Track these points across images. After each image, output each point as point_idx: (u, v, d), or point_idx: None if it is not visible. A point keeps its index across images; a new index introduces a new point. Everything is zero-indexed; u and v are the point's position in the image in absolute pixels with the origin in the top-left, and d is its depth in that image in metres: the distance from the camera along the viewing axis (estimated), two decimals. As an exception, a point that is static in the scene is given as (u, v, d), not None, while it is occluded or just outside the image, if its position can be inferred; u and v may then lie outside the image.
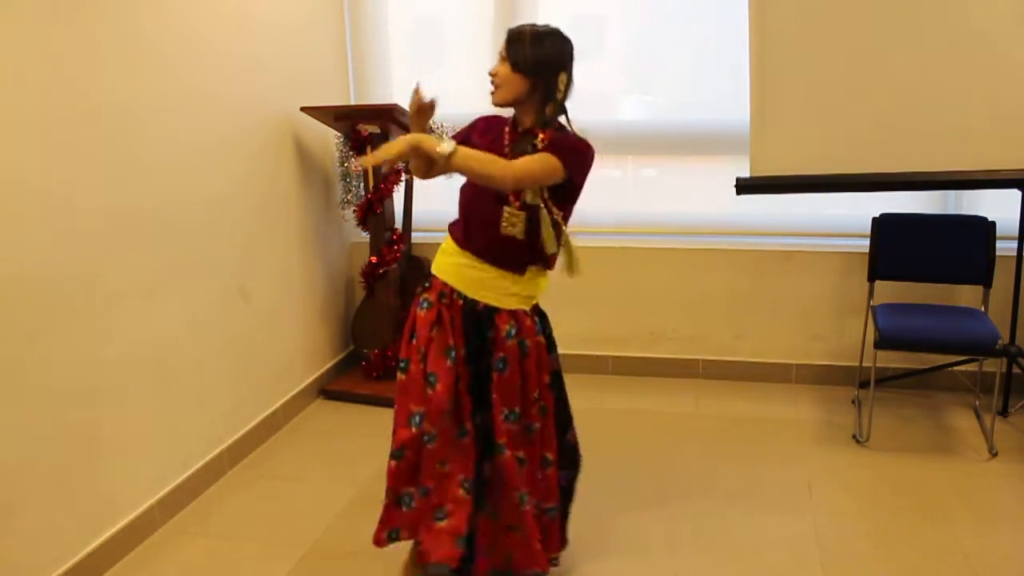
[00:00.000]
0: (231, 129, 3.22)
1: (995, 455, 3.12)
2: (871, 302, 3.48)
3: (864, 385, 3.57)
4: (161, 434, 2.84)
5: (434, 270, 2.32)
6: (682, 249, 3.92)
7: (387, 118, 3.62)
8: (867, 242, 3.50)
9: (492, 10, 3.98)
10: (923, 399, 3.66)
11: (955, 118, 3.20)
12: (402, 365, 2.31)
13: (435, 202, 4.20)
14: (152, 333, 2.78)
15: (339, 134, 3.90)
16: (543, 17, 3.94)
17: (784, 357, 3.90)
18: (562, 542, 2.47)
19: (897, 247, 3.45)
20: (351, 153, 3.87)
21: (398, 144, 2.05)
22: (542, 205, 2.18)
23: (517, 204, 2.18)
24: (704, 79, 3.94)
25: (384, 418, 3.61)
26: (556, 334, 4.25)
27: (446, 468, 2.28)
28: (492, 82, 2.17)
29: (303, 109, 3.65)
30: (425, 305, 2.28)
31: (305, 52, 3.80)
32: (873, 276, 3.48)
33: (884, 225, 3.47)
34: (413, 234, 3.99)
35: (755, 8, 3.29)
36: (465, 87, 4.21)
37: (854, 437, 3.31)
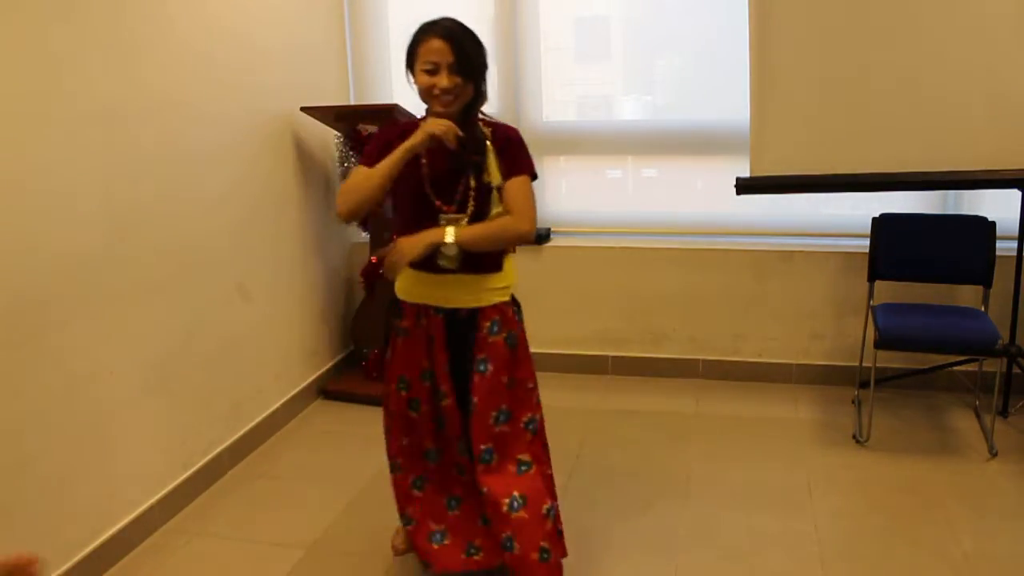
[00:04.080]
0: (231, 128, 3.22)
1: (995, 455, 3.12)
2: (871, 302, 3.48)
3: (864, 385, 3.56)
4: (161, 434, 2.85)
5: (402, 295, 2.25)
6: (682, 249, 3.92)
7: (387, 118, 3.61)
8: (867, 242, 3.50)
9: (492, 10, 3.98)
10: (923, 399, 3.66)
11: (955, 118, 3.20)
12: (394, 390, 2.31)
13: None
14: (152, 333, 2.78)
15: (339, 134, 3.90)
16: (544, 18, 3.98)
17: (784, 357, 3.90)
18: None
19: (897, 247, 3.45)
20: (351, 153, 3.87)
21: (413, 251, 2.05)
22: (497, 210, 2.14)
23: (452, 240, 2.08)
24: (704, 79, 3.94)
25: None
26: (557, 334, 4.27)
27: (424, 491, 2.35)
28: (445, 97, 2.04)
29: (303, 109, 3.65)
30: (401, 334, 2.26)
31: (305, 52, 3.80)
32: (873, 276, 3.48)
33: (884, 225, 3.47)
34: (413, 234, 3.98)
35: (755, 8, 3.29)
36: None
37: (854, 437, 3.31)
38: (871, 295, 3.49)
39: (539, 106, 4.02)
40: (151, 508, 2.77)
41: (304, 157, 3.78)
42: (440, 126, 2.00)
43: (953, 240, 3.41)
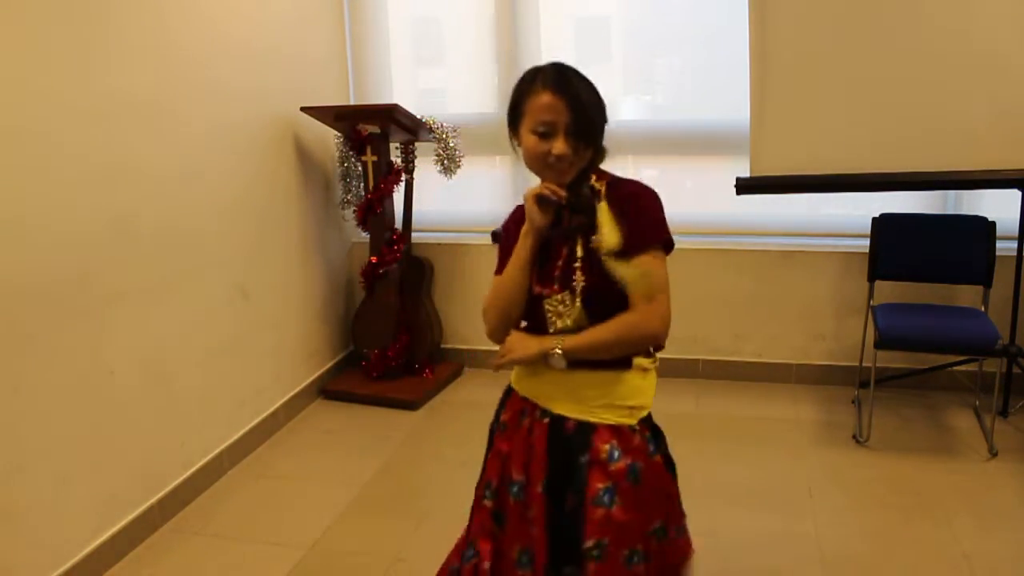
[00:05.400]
0: (231, 129, 3.22)
1: (995, 455, 3.12)
2: (871, 302, 3.48)
3: (864, 385, 3.56)
4: (161, 434, 2.85)
5: (513, 383, 1.80)
6: (682, 249, 3.84)
7: (387, 118, 3.62)
8: (867, 242, 3.50)
9: (492, 10, 3.98)
10: (923, 399, 3.65)
11: (955, 118, 3.20)
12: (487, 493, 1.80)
13: (435, 202, 4.21)
14: (152, 333, 2.78)
15: (339, 134, 3.90)
16: (544, 18, 3.98)
17: (784, 357, 3.90)
18: None
19: (897, 247, 3.45)
20: (351, 153, 3.87)
21: (525, 352, 1.68)
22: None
23: (556, 287, 1.68)
24: (704, 79, 3.94)
25: (384, 418, 3.63)
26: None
27: None
28: (561, 164, 1.62)
29: (303, 109, 3.65)
30: (501, 428, 1.80)
31: (305, 52, 3.80)
32: (873, 276, 3.48)
33: (884, 225, 3.47)
34: (413, 234, 3.99)
35: (755, 8, 3.29)
36: (465, 87, 4.22)
37: (854, 437, 3.31)
38: (871, 295, 3.49)
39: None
40: (151, 508, 2.77)
41: (304, 157, 3.78)
42: (539, 189, 1.65)
43: (953, 240, 3.41)
